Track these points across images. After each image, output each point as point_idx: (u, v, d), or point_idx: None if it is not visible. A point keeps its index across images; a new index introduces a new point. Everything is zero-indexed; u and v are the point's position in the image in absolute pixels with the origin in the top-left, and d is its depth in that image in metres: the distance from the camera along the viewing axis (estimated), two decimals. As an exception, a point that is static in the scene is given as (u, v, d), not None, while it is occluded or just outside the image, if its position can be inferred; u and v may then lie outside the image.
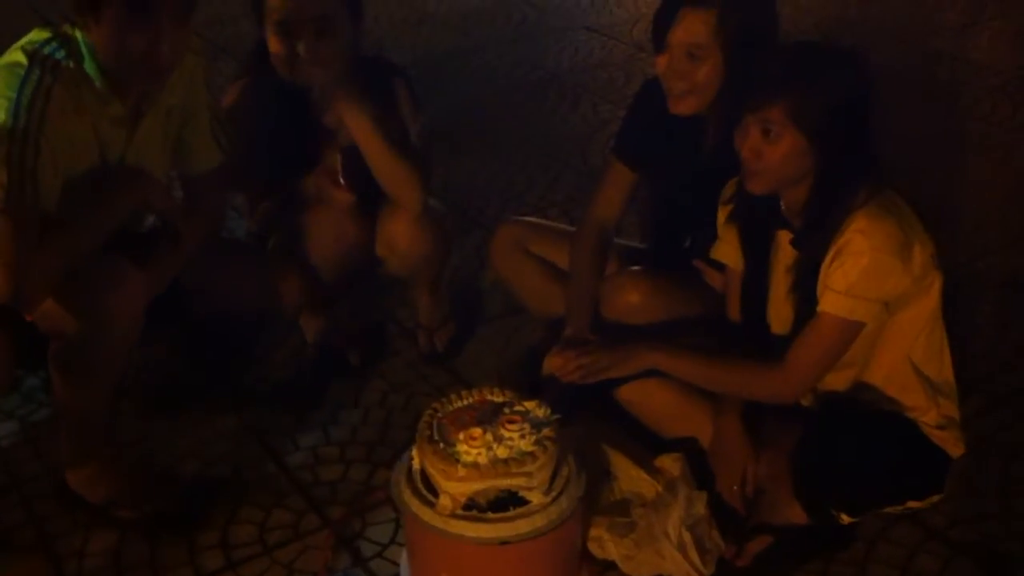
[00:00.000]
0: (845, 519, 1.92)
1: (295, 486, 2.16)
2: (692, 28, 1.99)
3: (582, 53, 4.31)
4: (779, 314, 1.99)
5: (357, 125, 2.21)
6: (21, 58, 1.83)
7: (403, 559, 1.95)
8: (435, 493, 1.80)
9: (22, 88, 1.80)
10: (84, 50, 1.88)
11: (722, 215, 2.04)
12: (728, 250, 2.05)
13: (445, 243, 2.41)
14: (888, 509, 1.98)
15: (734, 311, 2.07)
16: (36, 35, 1.89)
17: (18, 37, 1.91)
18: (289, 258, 2.32)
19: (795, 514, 1.93)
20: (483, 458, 1.78)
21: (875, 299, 1.81)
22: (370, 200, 2.33)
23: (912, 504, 1.97)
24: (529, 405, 1.88)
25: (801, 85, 1.79)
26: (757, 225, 1.99)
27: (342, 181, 2.27)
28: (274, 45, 2.20)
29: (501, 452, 1.79)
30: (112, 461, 2.10)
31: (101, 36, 1.85)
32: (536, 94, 3.96)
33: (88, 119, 1.90)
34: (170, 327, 2.28)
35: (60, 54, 1.86)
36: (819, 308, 1.84)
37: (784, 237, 1.94)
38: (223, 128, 2.17)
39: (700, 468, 2.02)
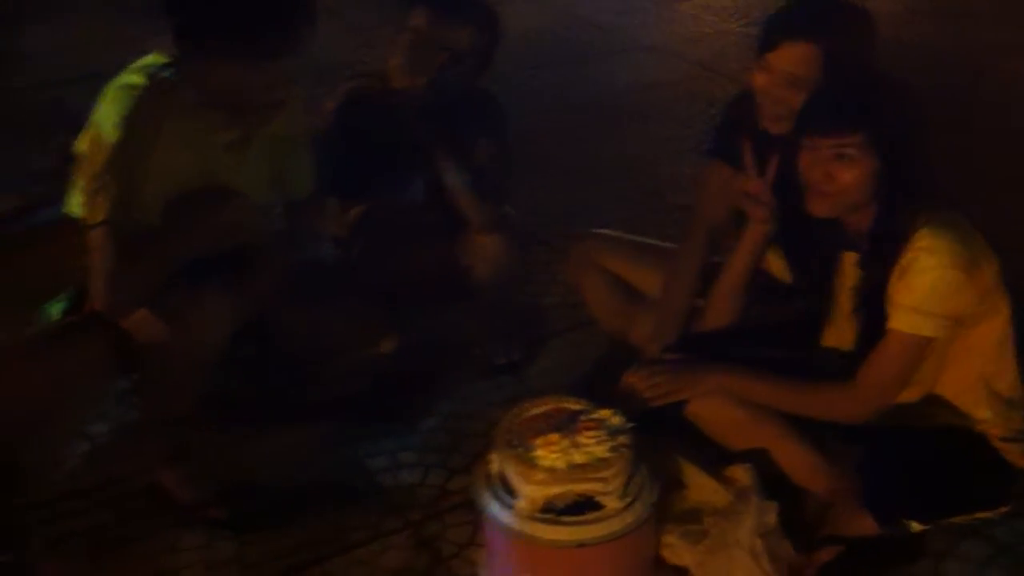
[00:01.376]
0: (916, 527, 1.96)
1: (375, 489, 2.24)
2: (793, 58, 2.01)
3: (644, 73, 4.37)
4: (842, 334, 2.04)
5: (441, 156, 2.34)
6: (138, 79, 1.93)
7: (482, 560, 2.02)
8: (514, 496, 1.87)
9: (136, 108, 1.90)
10: (199, 80, 1.96)
11: None
12: (782, 265, 2.11)
13: (520, 254, 2.51)
14: (957, 519, 2.01)
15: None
16: (154, 59, 1.99)
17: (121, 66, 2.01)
18: (376, 299, 2.41)
19: (863, 526, 1.97)
20: (561, 463, 1.85)
21: (944, 314, 1.86)
22: (451, 220, 2.42)
23: (980, 515, 2.01)
24: (604, 413, 1.95)
25: (880, 113, 1.86)
26: (819, 246, 2.04)
27: (422, 201, 2.37)
28: (400, 54, 2.33)
29: (578, 457, 1.87)
30: (202, 464, 2.19)
31: (224, 76, 1.93)
32: (599, 113, 4.03)
33: (197, 144, 2.00)
34: (255, 341, 2.38)
35: (176, 80, 1.95)
36: (889, 325, 1.89)
37: (848, 259, 1.99)
38: (322, 155, 2.26)
39: (769, 479, 2.06)
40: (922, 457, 1.93)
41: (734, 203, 2.16)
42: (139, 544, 2.12)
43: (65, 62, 4.34)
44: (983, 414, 1.98)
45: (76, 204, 1.92)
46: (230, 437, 2.36)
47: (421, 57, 2.31)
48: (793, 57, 2.01)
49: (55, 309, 2.12)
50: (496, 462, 1.93)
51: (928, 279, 1.84)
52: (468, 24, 2.33)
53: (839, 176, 1.87)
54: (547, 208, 3.34)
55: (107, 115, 1.91)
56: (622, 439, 1.90)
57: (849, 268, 2.00)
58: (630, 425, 1.93)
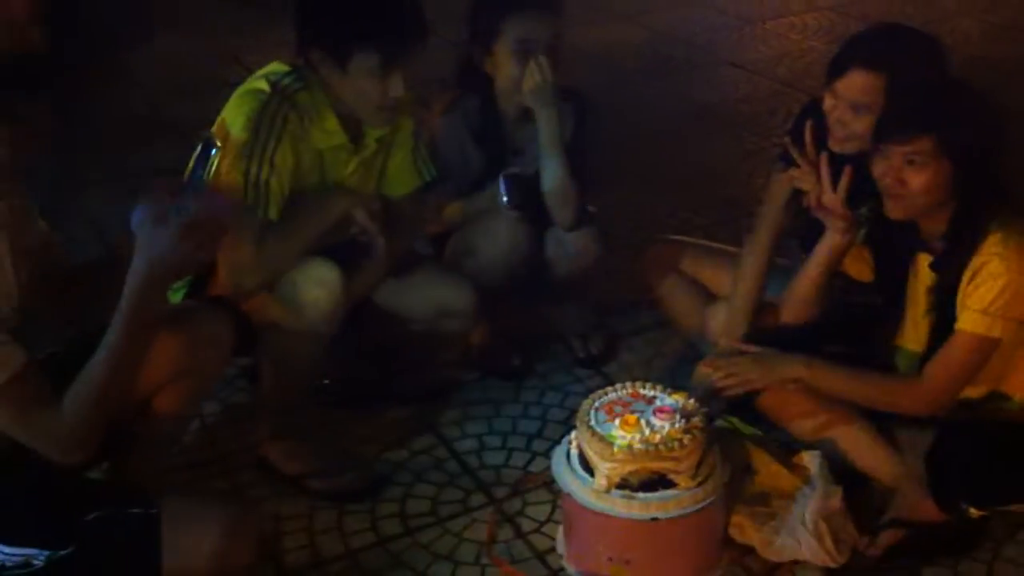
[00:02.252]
0: (974, 513, 2.05)
1: (464, 469, 2.41)
2: (860, 86, 2.13)
3: (727, 88, 4.50)
4: (916, 332, 2.14)
5: (550, 134, 2.50)
6: (264, 86, 2.15)
7: (559, 534, 2.17)
8: (592, 473, 2.02)
9: (263, 112, 2.11)
10: (318, 87, 2.17)
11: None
12: (859, 266, 2.22)
13: (603, 253, 2.66)
14: (1014, 507, 2.10)
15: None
16: (277, 67, 2.20)
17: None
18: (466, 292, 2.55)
19: (927, 511, 2.07)
20: (636, 442, 1.99)
21: (1012, 318, 1.96)
22: (535, 216, 2.58)
23: (1039, 505, 2.09)
24: (678, 397, 2.09)
25: (949, 119, 1.97)
26: (896, 248, 2.15)
27: (505, 200, 2.53)
28: (514, 68, 2.50)
29: (653, 438, 2.00)
30: (306, 440, 2.38)
31: (345, 85, 2.14)
32: (681, 126, 4.16)
33: (315, 145, 2.20)
34: (356, 334, 2.55)
35: (297, 86, 2.16)
36: (957, 326, 1.99)
37: (923, 260, 2.09)
38: (423, 157, 2.44)
39: (836, 466, 2.17)
40: (985, 447, 2.02)
41: (816, 214, 2.25)
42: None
43: (164, 76, 4.64)
44: (1045, 410, 2.07)
45: None
46: (331, 417, 2.55)
47: (526, 58, 2.47)
48: (858, 85, 2.13)
49: (176, 295, 2.33)
50: (576, 442, 2.08)
51: (998, 284, 1.94)
52: (554, 15, 2.51)
53: (910, 180, 1.98)
54: (630, 213, 3.48)
55: (235, 117, 2.12)
56: (695, 422, 2.03)
57: (924, 269, 2.10)
58: (703, 409, 2.07)
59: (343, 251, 2.29)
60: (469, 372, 2.71)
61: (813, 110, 2.34)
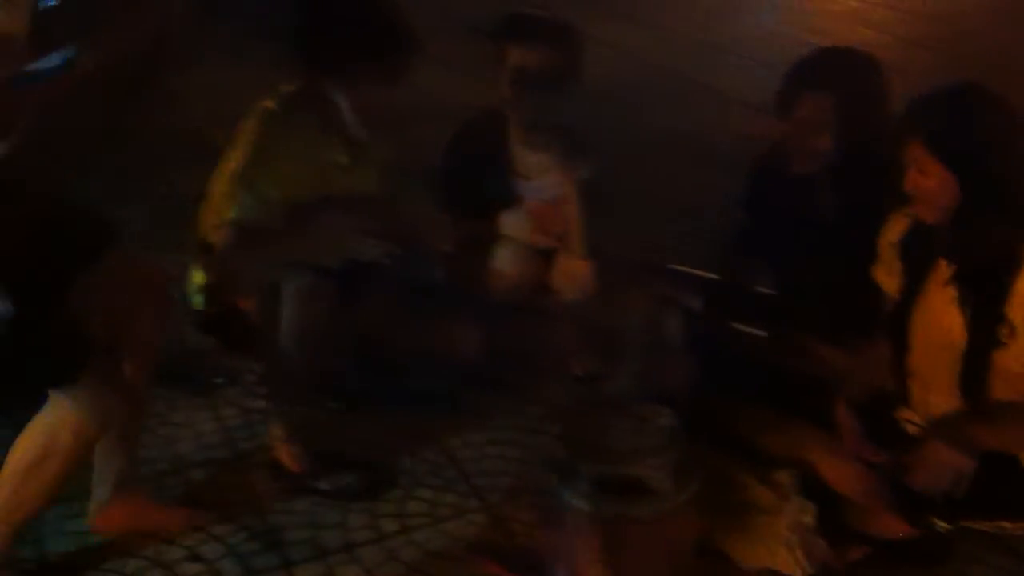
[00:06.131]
0: (942, 526, 2.13)
1: (462, 475, 2.56)
2: (813, 108, 2.30)
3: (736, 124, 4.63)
4: (936, 326, 2.16)
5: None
6: (271, 105, 2.33)
7: (547, 538, 2.29)
8: (577, 478, 2.14)
9: (267, 129, 2.29)
10: (320, 106, 2.33)
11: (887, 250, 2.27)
12: (890, 280, 2.29)
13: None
14: (980, 524, 2.19)
15: None
16: (285, 87, 2.38)
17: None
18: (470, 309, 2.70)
19: (891, 527, 2.18)
20: (619, 448, 2.13)
21: None
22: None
23: (1004, 524, 2.18)
24: (655, 410, 2.21)
25: (938, 121, 2.03)
26: (922, 256, 2.20)
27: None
28: (509, 93, 2.65)
29: (634, 445, 2.13)
30: (314, 443, 2.53)
31: (351, 100, 2.31)
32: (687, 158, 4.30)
33: (316, 162, 2.36)
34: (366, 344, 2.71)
35: (300, 104, 2.33)
36: None
37: (944, 265, 2.13)
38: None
39: (810, 483, 2.28)
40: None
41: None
42: (256, 504, 2.46)
43: (211, 103, 4.84)
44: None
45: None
46: (340, 421, 2.71)
47: (522, 87, 2.63)
48: (810, 107, 2.32)
49: (196, 300, 2.50)
50: (563, 448, 2.21)
51: None
52: (555, 47, 2.65)
53: (920, 185, 2.05)
54: (625, 240, 3.59)
55: (243, 133, 2.30)
56: (671, 433, 2.17)
57: (942, 272, 2.14)
58: (678, 422, 2.20)
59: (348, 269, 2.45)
60: (475, 383, 2.85)
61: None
